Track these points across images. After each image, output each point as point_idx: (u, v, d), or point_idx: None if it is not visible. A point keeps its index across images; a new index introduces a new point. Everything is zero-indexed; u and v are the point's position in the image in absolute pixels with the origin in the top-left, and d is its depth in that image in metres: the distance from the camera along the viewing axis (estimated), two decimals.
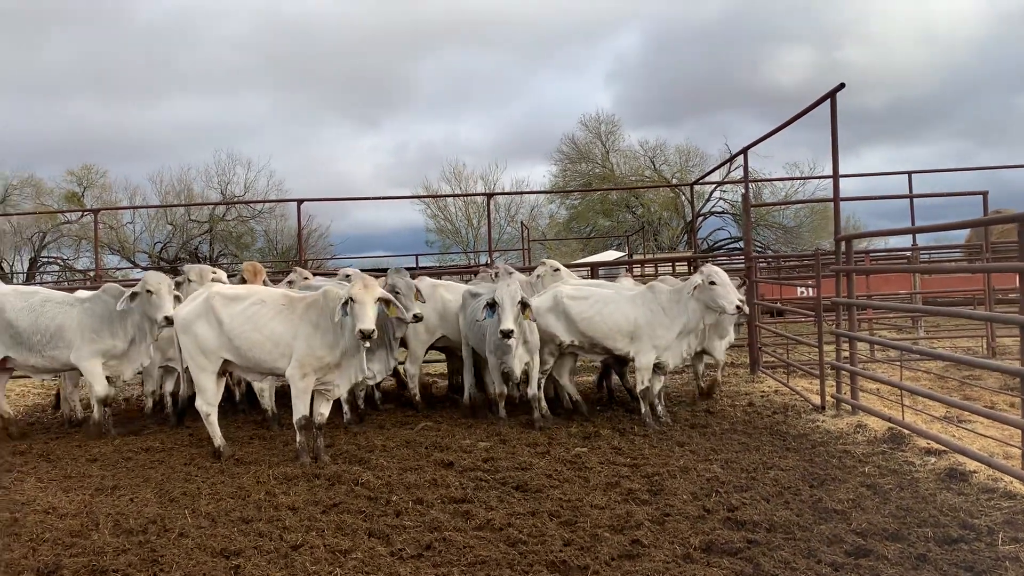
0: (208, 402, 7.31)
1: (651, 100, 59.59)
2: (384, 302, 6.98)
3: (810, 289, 15.56)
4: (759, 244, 37.27)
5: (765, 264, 19.24)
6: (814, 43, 56.50)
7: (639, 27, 66.48)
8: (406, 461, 6.99)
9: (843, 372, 8.72)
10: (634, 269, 21.44)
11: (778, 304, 13.72)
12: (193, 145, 67.07)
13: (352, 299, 6.72)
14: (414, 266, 23.69)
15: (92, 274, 38.27)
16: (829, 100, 8.51)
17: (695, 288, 8.11)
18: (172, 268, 42.70)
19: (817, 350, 9.24)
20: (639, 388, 8.53)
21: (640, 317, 8.46)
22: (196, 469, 6.88)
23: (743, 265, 12.42)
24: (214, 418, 7.36)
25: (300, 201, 15.45)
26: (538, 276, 10.09)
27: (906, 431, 7.30)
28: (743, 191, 11.74)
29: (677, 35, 61.20)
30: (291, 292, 7.79)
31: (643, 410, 8.45)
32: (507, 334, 7.82)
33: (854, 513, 5.33)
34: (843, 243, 8.68)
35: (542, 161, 68.02)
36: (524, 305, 8.05)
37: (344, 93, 65.09)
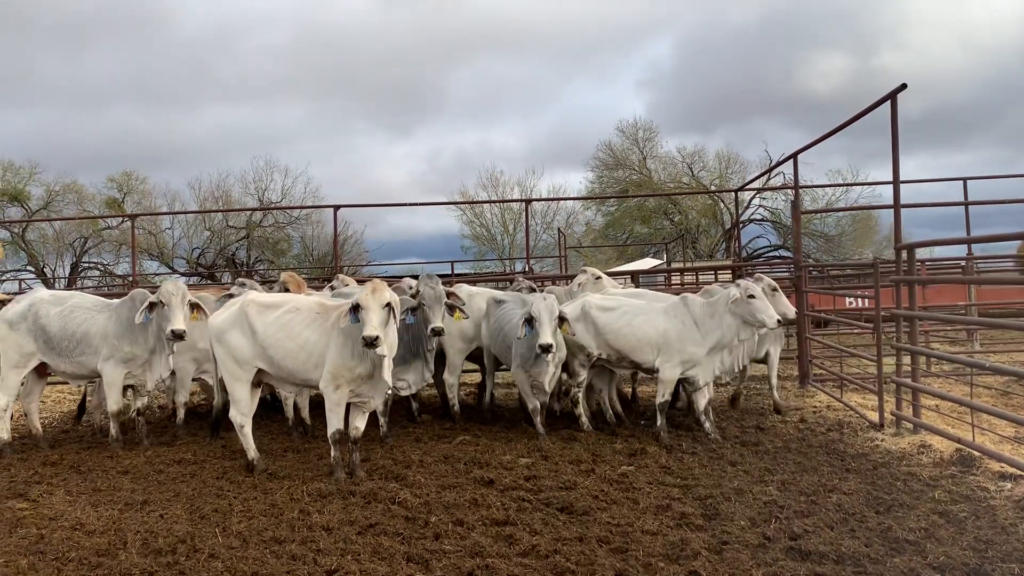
0: (242, 412, 7.10)
1: (684, 108, 59.00)
2: (390, 309, 6.56)
3: (860, 300, 15.05)
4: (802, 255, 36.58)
5: (812, 273, 18.70)
6: (851, 49, 55.48)
7: (672, 34, 66.08)
8: (444, 478, 6.70)
9: (903, 388, 8.27)
10: (673, 277, 21.05)
11: (823, 315, 13.24)
12: (231, 152, 68.06)
13: (359, 305, 6.44)
14: (449, 273, 23.46)
15: (131, 279, 38.82)
16: (889, 101, 8.09)
17: (732, 301, 7.76)
18: (210, 274, 43.02)
19: (872, 364, 8.81)
20: (658, 400, 8.30)
21: (671, 329, 8.16)
22: (228, 484, 6.64)
23: (788, 274, 12.00)
24: (248, 429, 7.14)
25: (337, 207, 15.24)
26: (579, 284, 9.74)
27: (976, 452, 6.85)
28: (792, 197, 11.27)
29: (710, 42, 60.52)
30: (327, 300, 7.56)
31: (658, 423, 8.24)
32: (546, 348, 7.60)
33: (928, 544, 4.93)
34: (904, 252, 8.24)
35: (577, 168, 67.75)
36: (562, 319, 7.91)
37: (379, 102, 65.44)
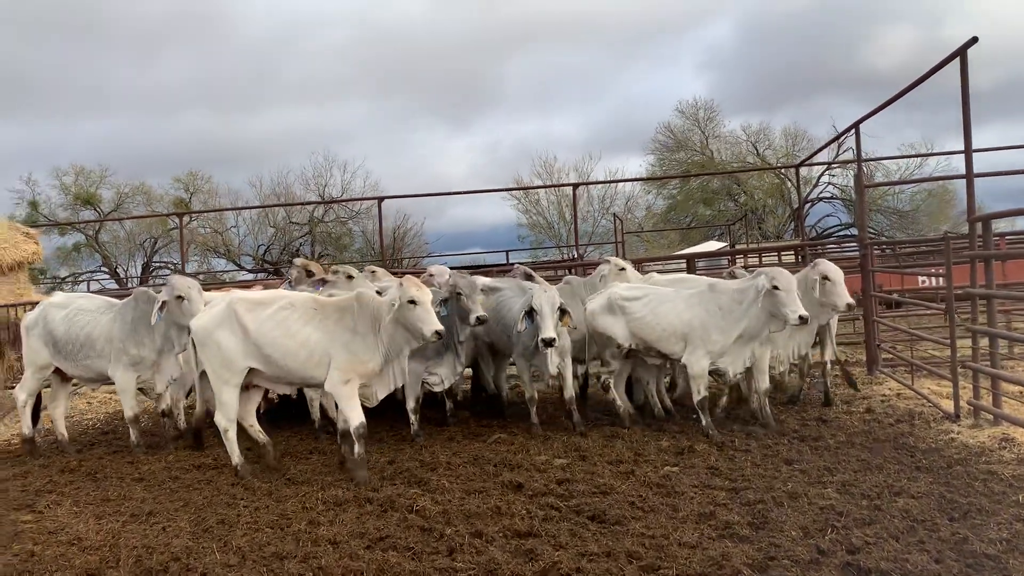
0: (228, 417, 6.76)
1: (744, 89, 57.94)
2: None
3: (934, 278, 14.07)
4: (872, 230, 35.05)
5: (881, 251, 17.68)
6: (915, 22, 53.09)
7: (730, 16, 64.68)
8: (471, 482, 6.23)
9: (982, 374, 7.48)
10: (737, 260, 20.22)
11: (892, 295, 12.36)
12: (295, 152, 69.49)
13: (414, 300, 6.36)
14: (505, 262, 23.03)
15: (201, 277, 39.50)
16: (959, 58, 7.29)
17: (758, 292, 7.14)
18: (275, 270, 43.50)
19: (946, 347, 8.04)
20: (695, 399, 7.71)
21: (695, 318, 7.60)
22: (243, 491, 6.28)
23: (856, 252, 11.18)
24: (233, 435, 6.80)
25: (381, 199, 15.05)
26: (601, 276, 9.09)
27: None
28: (855, 171, 10.47)
29: (768, 22, 58.99)
30: (320, 297, 7.25)
31: (703, 422, 7.63)
32: (549, 343, 7.30)
33: (1011, 560, 4.26)
34: (979, 225, 7.43)
35: (636, 153, 66.81)
36: (563, 312, 7.58)
37: (437, 96, 65.77)
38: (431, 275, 8.74)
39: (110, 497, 6.32)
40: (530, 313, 7.49)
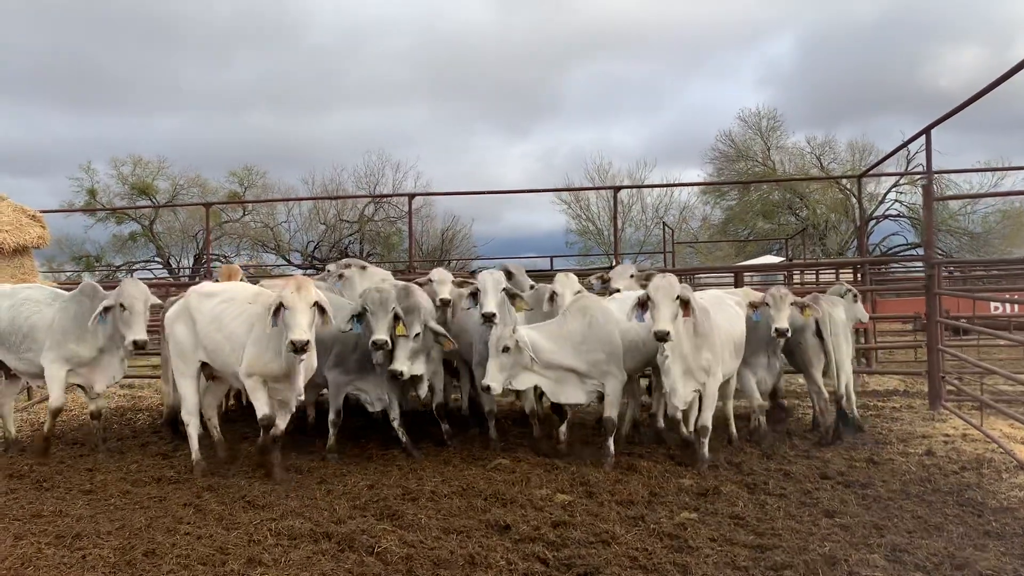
0: (188, 410, 6.73)
1: (804, 106, 56.44)
2: (320, 309, 5.99)
3: (1008, 305, 12.80)
4: (940, 251, 33.27)
5: (949, 272, 16.36)
6: (982, 41, 50.80)
7: (792, 31, 63.44)
8: (453, 518, 5.37)
9: None
10: (794, 275, 19.03)
11: (963, 322, 11.17)
12: (354, 152, 70.81)
13: (283, 304, 5.78)
14: (549, 268, 22.16)
15: (249, 269, 39.54)
16: None
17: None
18: (324, 267, 43.36)
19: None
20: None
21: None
22: (193, 513, 5.52)
23: (922, 272, 10.05)
24: (193, 429, 6.73)
25: (412, 195, 14.32)
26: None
27: None
28: (924, 182, 9.35)
29: (831, 38, 57.47)
30: (264, 290, 6.75)
31: (698, 454, 6.90)
32: (489, 318, 6.85)
33: None
34: None
35: (693, 165, 65.95)
36: (513, 296, 7.28)
37: (496, 103, 66.06)
38: (431, 280, 7.96)
39: (43, 512, 5.59)
40: (474, 295, 7.16)
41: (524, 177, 60.97)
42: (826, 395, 7.82)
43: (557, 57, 65.82)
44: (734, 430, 7.69)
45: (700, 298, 7.32)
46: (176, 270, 45.37)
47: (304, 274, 33.41)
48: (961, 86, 42.15)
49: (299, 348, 5.72)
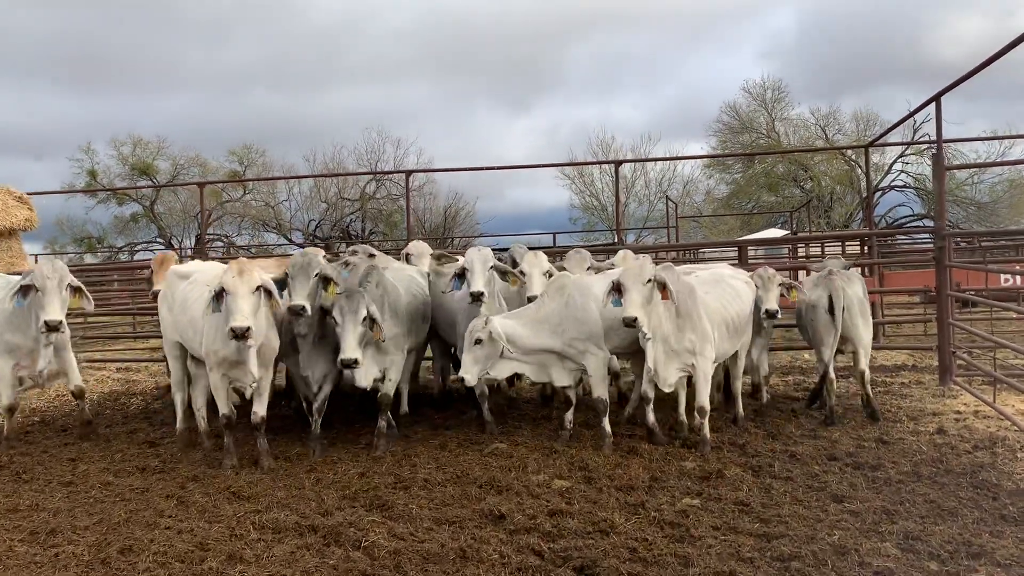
0: (175, 385, 7.01)
1: (806, 78, 56.10)
2: (266, 292, 5.86)
3: (1019, 277, 12.51)
4: (948, 223, 32.83)
5: (957, 244, 16.07)
6: (984, 10, 50.13)
7: (793, 3, 62.83)
8: (446, 507, 5.16)
9: None
10: (798, 248, 18.75)
11: (972, 295, 10.91)
12: (356, 130, 70.97)
13: (224, 289, 5.69)
14: (551, 245, 21.89)
15: (253, 251, 39.28)
16: None
17: None
18: (325, 245, 43.10)
19: None
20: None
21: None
22: (175, 505, 5.32)
23: (930, 244, 9.76)
24: (179, 402, 7.00)
25: (409, 172, 14.08)
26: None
27: None
28: (934, 152, 9.05)
29: (832, 10, 57.13)
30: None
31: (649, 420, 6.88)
32: (477, 296, 6.74)
33: None
34: None
35: (697, 139, 65.63)
36: (503, 273, 7.12)
37: (499, 79, 65.85)
38: (408, 254, 7.75)
39: (20, 506, 5.39)
40: (462, 275, 6.96)
41: (527, 153, 60.79)
42: (831, 375, 7.53)
43: (559, 32, 65.53)
44: (740, 409, 7.47)
45: (696, 276, 7.08)
46: (178, 251, 45.22)
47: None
48: (964, 56, 41.60)
49: (238, 334, 5.52)
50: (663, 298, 6.27)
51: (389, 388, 6.96)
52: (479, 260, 6.93)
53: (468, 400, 8.07)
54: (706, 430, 6.59)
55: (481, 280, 6.82)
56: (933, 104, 9.13)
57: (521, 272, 7.20)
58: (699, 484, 5.65)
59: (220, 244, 45.33)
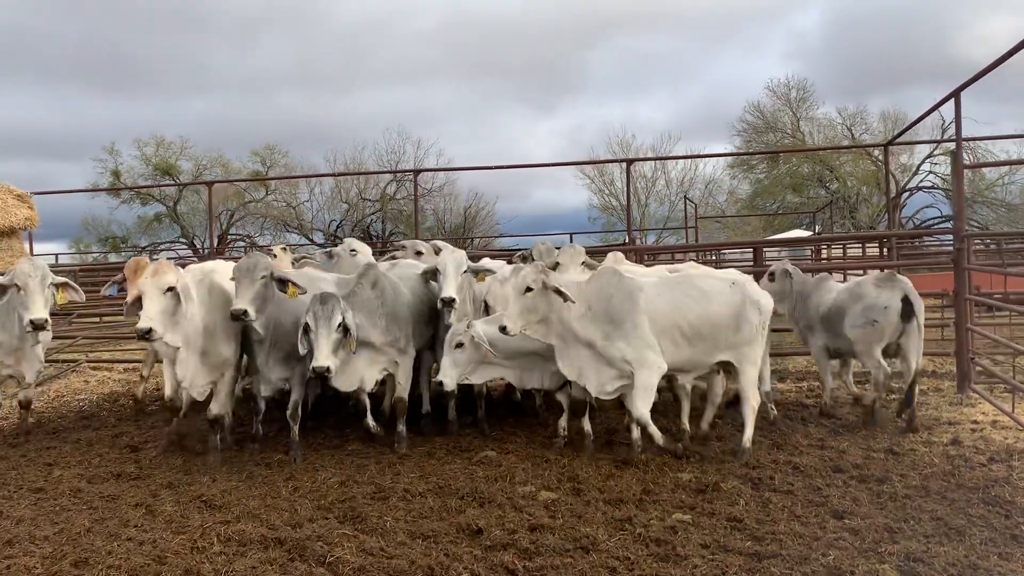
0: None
1: (831, 80, 55.98)
2: (177, 294, 5.76)
3: None
4: (975, 223, 32.15)
5: (984, 246, 15.60)
6: (1012, 10, 49.14)
7: (818, 4, 62.24)
8: (421, 520, 4.93)
9: None
10: (822, 250, 18.38)
11: (992, 299, 10.51)
12: (381, 131, 71.30)
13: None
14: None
15: (260, 249, 39.33)
16: None
17: None
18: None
19: None
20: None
21: None
22: (143, 515, 5.11)
23: (952, 247, 9.38)
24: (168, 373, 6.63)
25: (417, 172, 13.89)
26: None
27: None
28: (954, 148, 8.69)
29: (857, 10, 56.61)
30: (217, 270, 6.50)
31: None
32: (448, 302, 6.48)
33: None
34: None
35: (720, 139, 65.29)
36: (476, 272, 7.00)
37: (524, 81, 66.32)
38: (403, 247, 7.57)
39: None
40: (433, 274, 6.80)
41: (550, 154, 60.88)
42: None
43: (584, 33, 65.61)
44: (748, 436, 6.77)
45: (658, 277, 6.65)
46: (200, 250, 45.40)
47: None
48: (992, 55, 40.75)
49: (140, 335, 5.56)
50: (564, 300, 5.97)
51: (402, 392, 6.77)
52: (452, 264, 6.65)
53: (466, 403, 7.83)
54: (636, 442, 6.27)
55: (453, 285, 6.55)
56: (952, 100, 8.75)
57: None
58: (693, 497, 5.37)
59: (242, 244, 45.59)
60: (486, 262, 8.55)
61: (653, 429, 6.22)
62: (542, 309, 6.00)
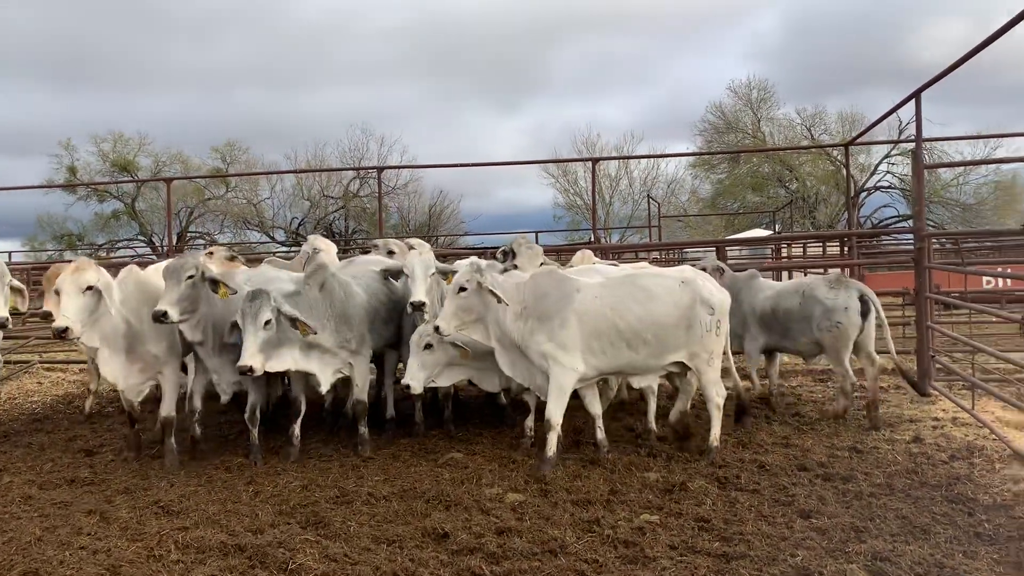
0: None
1: (790, 81, 57.28)
2: (98, 293, 5.72)
3: (1000, 279, 12.27)
4: (931, 223, 32.74)
5: (940, 245, 15.83)
6: (965, 12, 50.35)
7: (777, 7, 63.31)
8: (386, 525, 4.84)
9: None
10: (782, 249, 18.51)
11: (952, 297, 10.66)
12: (342, 130, 70.73)
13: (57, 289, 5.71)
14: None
15: (236, 248, 38.84)
16: None
17: None
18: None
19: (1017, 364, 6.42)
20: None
21: None
22: (96, 522, 4.95)
23: (912, 246, 9.49)
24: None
25: (380, 168, 13.84)
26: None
27: None
28: (913, 148, 8.79)
29: (815, 14, 57.70)
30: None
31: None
32: (417, 306, 6.31)
33: None
34: None
35: (682, 140, 65.97)
36: (445, 273, 6.55)
37: (486, 79, 66.08)
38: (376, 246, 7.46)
39: None
40: (396, 275, 6.80)
41: (514, 152, 60.91)
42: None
43: (547, 32, 65.62)
44: (715, 434, 6.47)
45: (599, 274, 6.47)
46: (159, 248, 44.66)
47: (290, 251, 32.78)
48: (945, 57, 41.25)
49: (56, 334, 5.52)
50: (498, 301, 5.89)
51: (360, 394, 6.64)
52: (420, 266, 6.49)
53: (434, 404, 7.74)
54: (551, 448, 5.97)
55: (423, 288, 6.40)
56: (913, 101, 8.84)
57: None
58: (661, 498, 5.35)
59: (201, 242, 44.92)
60: (460, 264, 8.43)
61: (553, 439, 5.95)
62: (477, 309, 5.93)
